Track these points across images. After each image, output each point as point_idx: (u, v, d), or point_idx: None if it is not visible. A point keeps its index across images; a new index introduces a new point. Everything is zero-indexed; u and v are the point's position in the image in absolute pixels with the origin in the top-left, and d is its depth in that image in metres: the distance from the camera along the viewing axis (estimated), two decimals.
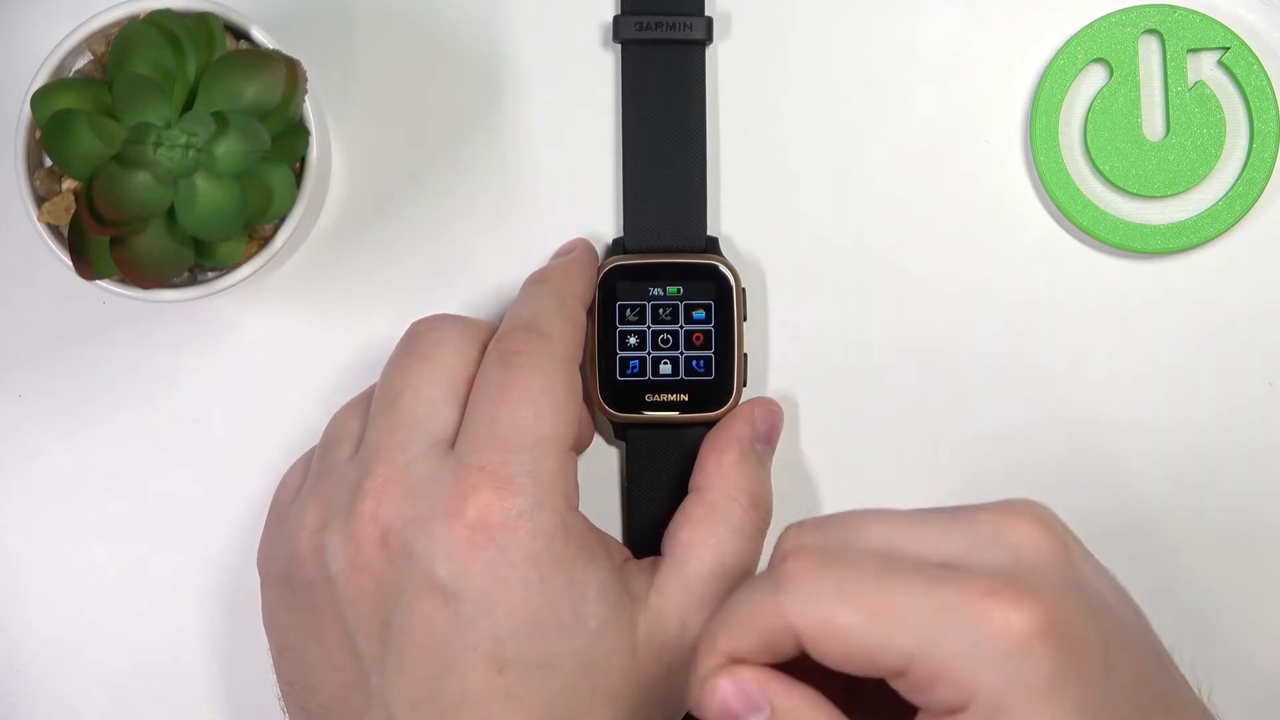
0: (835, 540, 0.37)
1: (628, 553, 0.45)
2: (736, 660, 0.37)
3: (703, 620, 0.43)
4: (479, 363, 0.44)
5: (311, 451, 0.47)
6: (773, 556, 0.37)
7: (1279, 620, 0.50)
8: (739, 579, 0.44)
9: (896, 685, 0.36)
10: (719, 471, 0.45)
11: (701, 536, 0.44)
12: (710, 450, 0.46)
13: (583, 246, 0.49)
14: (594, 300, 0.48)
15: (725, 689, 0.37)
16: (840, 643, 0.35)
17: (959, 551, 0.36)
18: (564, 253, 0.49)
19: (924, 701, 0.35)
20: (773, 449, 0.48)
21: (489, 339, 0.45)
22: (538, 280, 0.47)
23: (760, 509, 0.45)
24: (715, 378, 0.48)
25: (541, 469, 0.42)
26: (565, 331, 0.45)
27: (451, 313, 0.46)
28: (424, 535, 0.41)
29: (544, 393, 0.43)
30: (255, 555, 0.47)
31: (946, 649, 0.34)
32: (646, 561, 0.45)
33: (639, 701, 0.43)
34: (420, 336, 0.45)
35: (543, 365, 0.43)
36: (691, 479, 0.47)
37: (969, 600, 0.35)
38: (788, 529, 0.38)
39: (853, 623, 0.35)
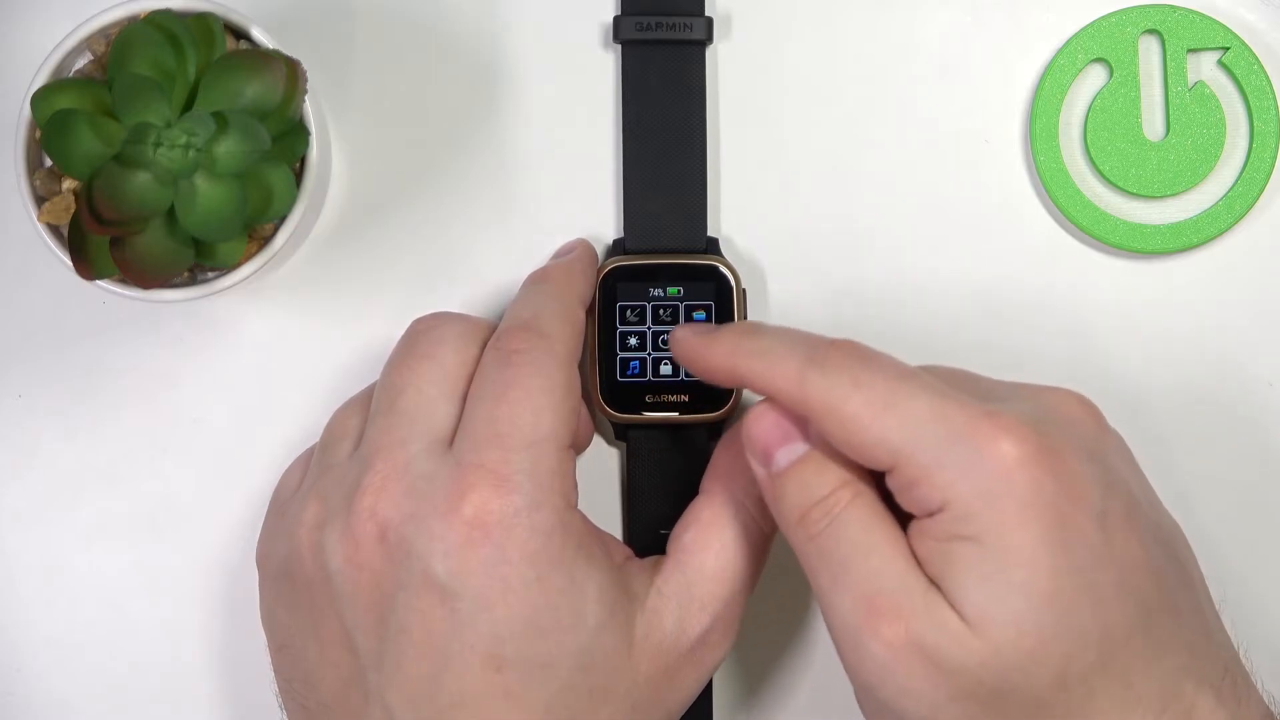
0: (883, 353, 0.40)
1: (629, 551, 0.45)
2: (739, 379, 0.41)
3: (702, 623, 0.43)
4: (479, 361, 0.44)
5: (312, 448, 0.47)
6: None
7: None
8: (743, 583, 0.44)
9: (888, 483, 0.39)
10: (729, 475, 0.45)
11: (707, 539, 0.44)
12: (721, 452, 0.46)
13: (582, 247, 0.49)
14: (594, 300, 0.48)
15: (772, 416, 0.41)
16: (840, 427, 0.39)
17: (1003, 395, 0.40)
18: (563, 253, 0.49)
19: (907, 501, 0.39)
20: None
21: (489, 338, 0.45)
22: (538, 280, 0.47)
23: (769, 515, 0.45)
24: None
25: (540, 468, 0.42)
26: (565, 331, 0.45)
27: (451, 310, 0.46)
28: (422, 533, 0.41)
29: (543, 392, 0.43)
30: (255, 554, 0.47)
31: (931, 453, 0.38)
32: (649, 561, 0.45)
33: (637, 701, 0.43)
34: (421, 335, 0.45)
35: (542, 365, 0.43)
36: (703, 480, 0.47)
37: (967, 418, 0.38)
38: None
39: (855, 412, 0.39)
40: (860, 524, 0.39)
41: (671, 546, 0.45)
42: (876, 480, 0.40)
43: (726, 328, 0.43)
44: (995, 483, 0.37)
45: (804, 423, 0.41)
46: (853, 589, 0.39)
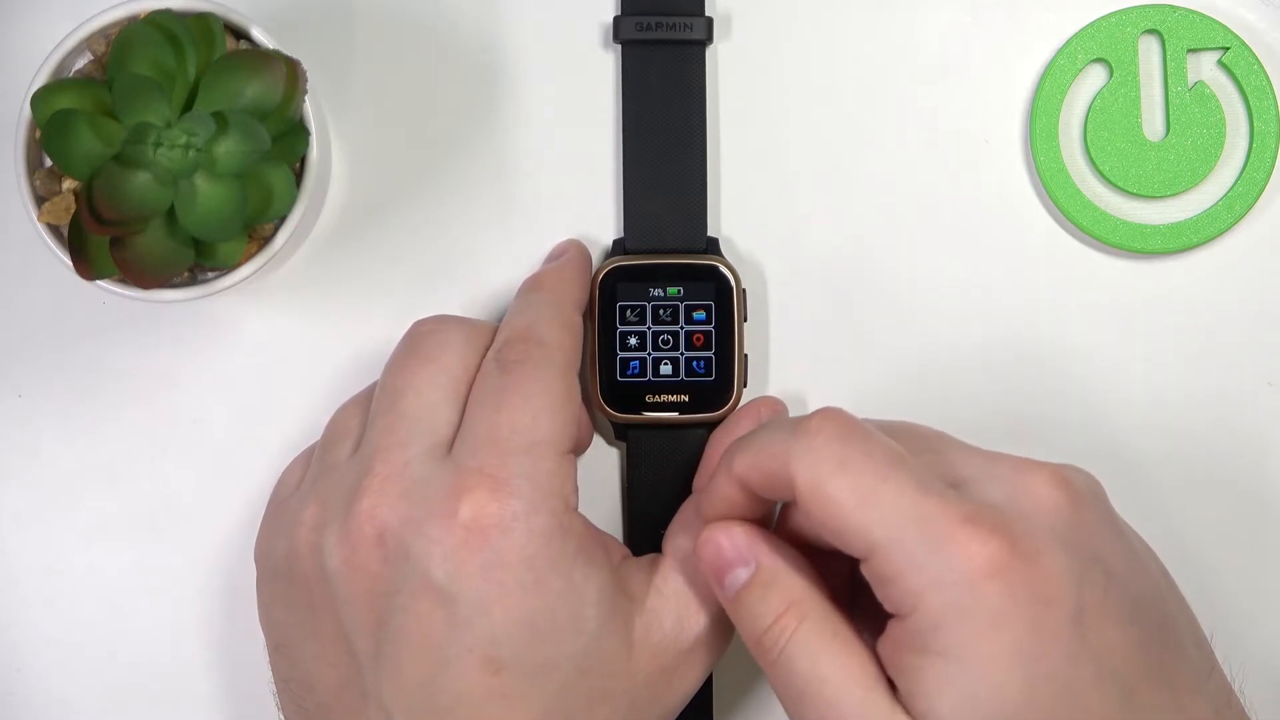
0: (872, 429, 0.40)
1: (626, 550, 0.45)
2: (745, 485, 0.41)
3: (700, 623, 0.43)
4: (480, 366, 0.44)
5: (312, 447, 0.47)
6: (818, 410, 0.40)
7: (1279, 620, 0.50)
8: None
9: (862, 569, 0.38)
10: None
11: None
12: (714, 449, 0.46)
13: (575, 249, 0.49)
14: (591, 303, 0.48)
15: (719, 540, 0.41)
16: (821, 508, 0.38)
17: (973, 478, 0.39)
18: (556, 255, 0.49)
19: (880, 595, 0.38)
20: None
21: (491, 342, 0.45)
22: (533, 288, 0.47)
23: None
24: (716, 378, 0.48)
25: (538, 472, 0.42)
26: (563, 339, 0.45)
27: (453, 313, 0.46)
28: (420, 536, 0.41)
29: (542, 397, 0.43)
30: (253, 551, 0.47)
31: (906, 554, 0.37)
32: (645, 559, 0.45)
33: (635, 700, 0.43)
34: (423, 337, 0.45)
35: (540, 372, 0.43)
36: (695, 479, 0.47)
37: (945, 518, 0.37)
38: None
39: (838, 495, 0.38)
40: (810, 653, 0.39)
41: (667, 546, 0.45)
42: (848, 566, 0.40)
43: (720, 459, 0.43)
44: (966, 595, 0.37)
45: (749, 541, 0.41)
46: (815, 717, 0.39)
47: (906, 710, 0.37)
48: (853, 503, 0.38)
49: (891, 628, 0.38)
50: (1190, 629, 0.41)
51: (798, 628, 0.39)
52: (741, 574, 0.41)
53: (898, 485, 0.38)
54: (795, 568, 0.41)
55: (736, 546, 0.41)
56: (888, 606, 0.38)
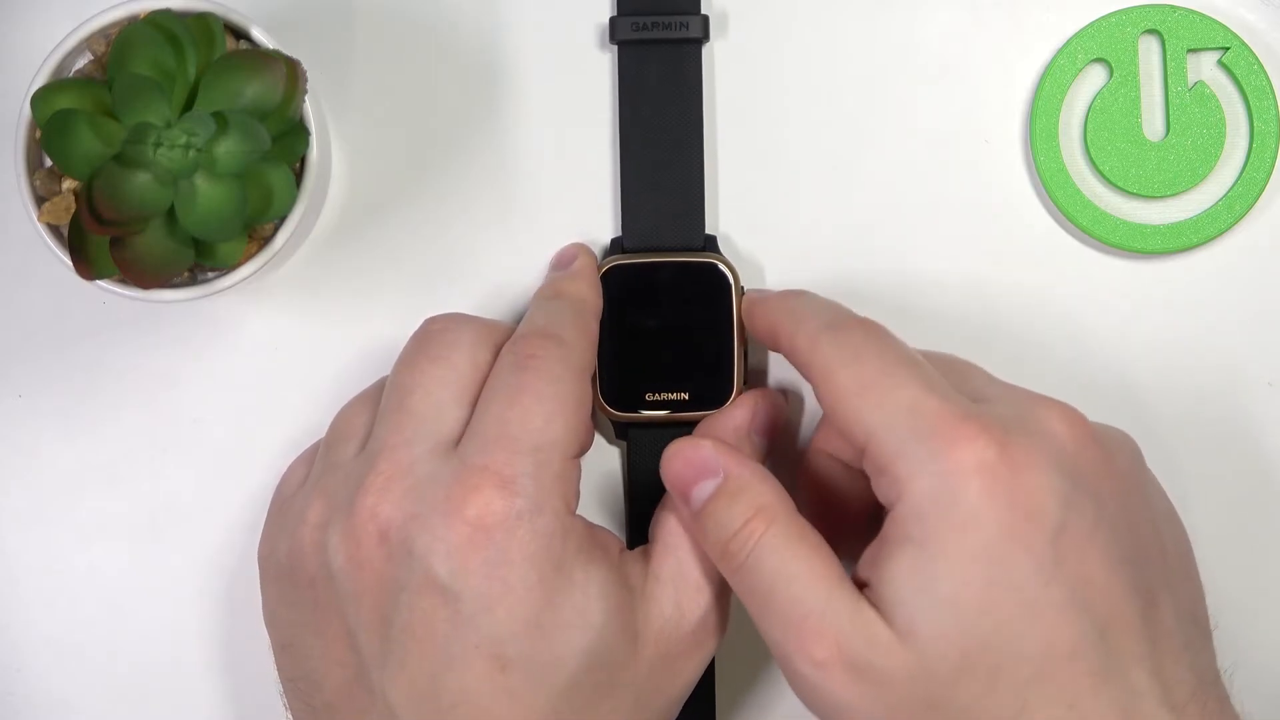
0: (898, 338, 0.42)
1: (622, 544, 0.45)
2: (771, 338, 0.44)
3: (700, 604, 0.44)
4: (491, 365, 0.44)
5: (315, 445, 0.47)
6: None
7: (1278, 619, 0.50)
8: None
9: (864, 465, 0.40)
10: None
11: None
12: (704, 434, 0.46)
13: (585, 257, 0.49)
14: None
15: (686, 453, 0.43)
16: (828, 395, 0.41)
17: (991, 397, 0.41)
18: (564, 262, 0.49)
19: (876, 490, 0.40)
20: (769, 441, 0.47)
21: (502, 342, 0.45)
22: (553, 294, 0.47)
23: None
24: (715, 376, 0.48)
25: (545, 472, 0.42)
26: (581, 342, 0.45)
27: (464, 312, 0.46)
28: (424, 533, 0.41)
29: (556, 399, 0.43)
30: (255, 555, 0.47)
31: (898, 441, 0.39)
32: (639, 550, 0.45)
33: (641, 692, 0.43)
34: (434, 336, 0.45)
35: (557, 372, 0.43)
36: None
37: (941, 414, 0.38)
38: None
39: (844, 384, 0.40)
40: (777, 552, 0.40)
41: (657, 531, 0.45)
42: (868, 506, 0.41)
43: (778, 291, 0.45)
44: (947, 487, 0.37)
45: (716, 454, 0.42)
46: (780, 616, 0.39)
47: (872, 603, 0.38)
48: (855, 390, 0.40)
49: (883, 528, 0.39)
50: (1191, 601, 0.41)
51: (766, 530, 0.40)
52: (708, 485, 0.42)
53: (902, 379, 0.39)
54: (762, 478, 0.42)
55: (704, 458, 0.42)
56: (882, 500, 0.39)
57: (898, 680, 0.38)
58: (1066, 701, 0.37)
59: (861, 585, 0.40)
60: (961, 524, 0.37)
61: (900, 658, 0.38)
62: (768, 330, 0.44)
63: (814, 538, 0.40)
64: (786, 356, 0.43)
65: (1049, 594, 0.37)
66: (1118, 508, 0.39)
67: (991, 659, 0.37)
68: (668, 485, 0.43)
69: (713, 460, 0.42)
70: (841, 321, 0.42)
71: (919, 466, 0.38)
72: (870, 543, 0.40)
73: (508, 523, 0.41)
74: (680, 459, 0.43)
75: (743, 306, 0.47)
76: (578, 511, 0.44)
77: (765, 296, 0.45)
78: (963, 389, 0.41)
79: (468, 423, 0.43)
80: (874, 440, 0.39)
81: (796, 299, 0.44)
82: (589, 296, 0.47)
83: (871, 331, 0.41)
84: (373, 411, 0.45)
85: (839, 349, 0.41)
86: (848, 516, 0.45)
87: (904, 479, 0.38)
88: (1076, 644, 0.37)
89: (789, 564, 0.40)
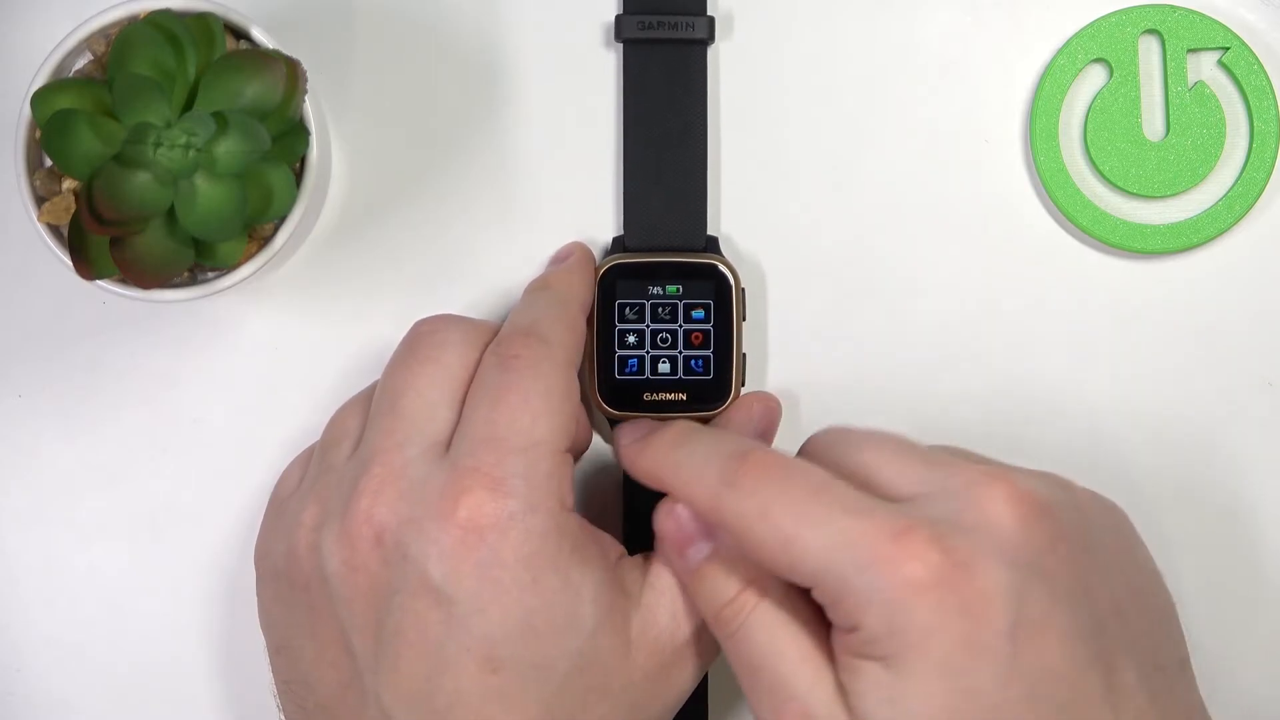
0: (824, 448, 0.41)
1: (621, 549, 0.45)
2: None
3: (696, 618, 0.43)
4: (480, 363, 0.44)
5: (312, 448, 0.47)
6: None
7: (1277, 618, 0.50)
8: None
9: (814, 597, 0.39)
10: None
11: None
12: None
13: (580, 252, 0.49)
14: (593, 303, 0.48)
15: (679, 515, 0.42)
16: (756, 552, 0.39)
17: (926, 493, 0.39)
18: (560, 258, 0.49)
19: (831, 615, 0.39)
20: (768, 445, 0.47)
21: (492, 340, 0.45)
22: (539, 287, 0.47)
23: None
24: (714, 377, 0.48)
25: (536, 471, 0.42)
26: (565, 337, 0.45)
27: (454, 313, 0.46)
28: (418, 536, 0.41)
29: (541, 396, 0.43)
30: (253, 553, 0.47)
31: (839, 579, 0.38)
32: (639, 557, 0.45)
33: (634, 698, 0.43)
34: (423, 337, 0.45)
35: (541, 369, 0.43)
36: None
37: (875, 537, 0.38)
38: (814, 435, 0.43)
39: (765, 540, 0.39)
40: (766, 630, 0.40)
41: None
42: None
43: (659, 434, 0.43)
44: (899, 611, 0.37)
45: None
46: (767, 691, 0.40)
47: (846, 706, 0.38)
48: (778, 545, 0.39)
49: (838, 636, 0.39)
50: (1155, 651, 0.40)
51: (757, 604, 0.40)
52: (703, 548, 0.42)
53: (822, 514, 0.38)
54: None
55: (693, 524, 0.42)
56: (838, 625, 0.39)
57: None
58: None
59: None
60: (919, 642, 0.37)
61: None
62: (655, 483, 0.43)
63: (805, 613, 0.40)
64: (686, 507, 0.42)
65: (1009, 693, 0.37)
66: (1071, 579, 0.38)
67: None
68: (659, 542, 0.43)
69: (704, 526, 0.42)
70: (733, 473, 0.40)
71: (866, 598, 0.37)
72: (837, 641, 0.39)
73: (500, 524, 0.41)
74: (674, 519, 0.42)
75: (621, 452, 0.45)
76: (575, 509, 0.44)
77: (643, 445, 0.43)
78: (894, 482, 0.40)
79: (458, 422, 0.43)
80: (817, 582, 0.38)
81: (677, 448, 0.42)
82: (576, 288, 0.47)
83: (765, 474, 0.39)
84: (366, 414, 0.45)
85: (744, 506, 0.39)
86: None
87: (856, 611, 0.38)
88: None
89: (778, 640, 0.40)
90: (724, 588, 0.41)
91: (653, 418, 0.48)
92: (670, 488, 0.42)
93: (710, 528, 0.42)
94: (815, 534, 0.38)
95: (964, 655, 0.37)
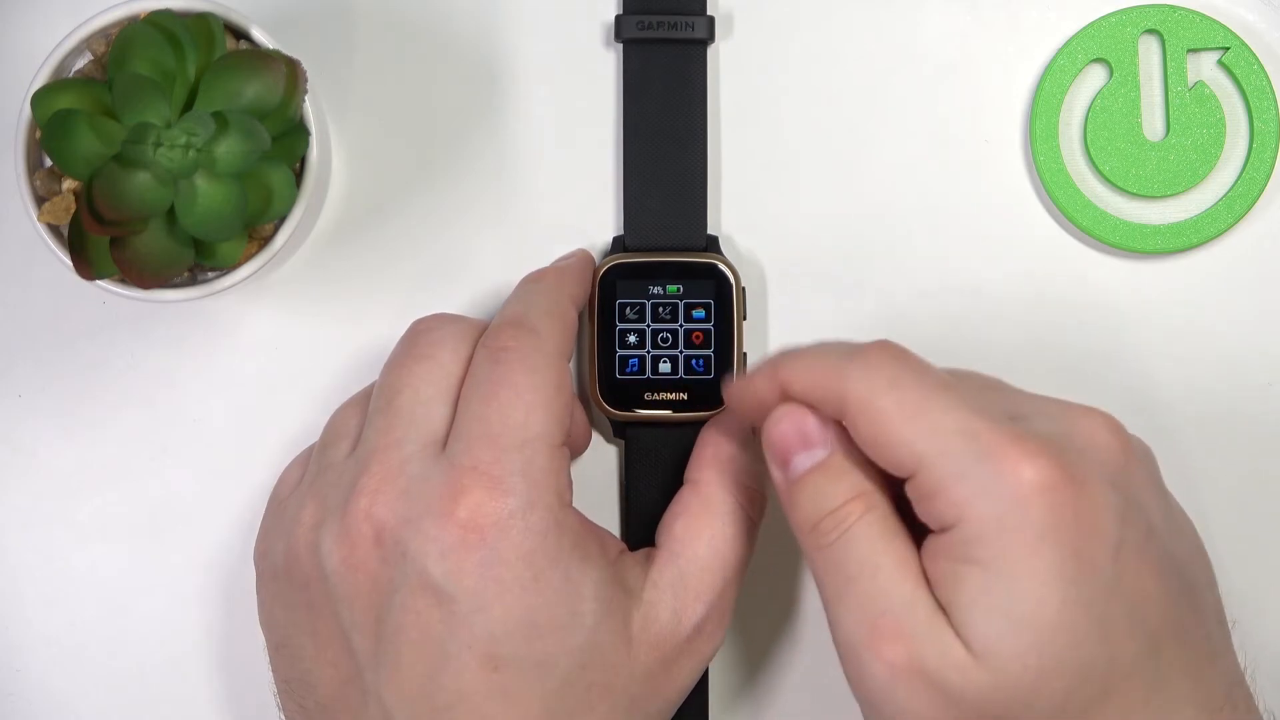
0: (925, 361, 0.40)
1: (622, 545, 0.45)
2: (788, 391, 0.41)
3: (697, 613, 0.43)
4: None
5: (311, 447, 0.47)
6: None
7: (1267, 625, 0.50)
8: (735, 571, 0.44)
9: (907, 490, 0.39)
10: (715, 464, 0.45)
11: (697, 529, 0.44)
12: (706, 442, 0.46)
13: (581, 254, 0.49)
14: (588, 301, 0.48)
15: (798, 419, 0.41)
16: (871, 422, 0.39)
17: (1028, 415, 0.40)
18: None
19: (923, 512, 0.38)
20: None
21: None
22: (532, 280, 0.47)
23: (756, 502, 0.45)
24: (715, 377, 0.48)
25: (533, 467, 0.42)
26: (554, 328, 0.44)
27: (452, 312, 0.46)
28: (417, 535, 0.41)
29: (533, 390, 0.43)
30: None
31: (953, 464, 0.37)
32: (641, 553, 0.45)
33: (635, 695, 0.43)
34: (420, 336, 0.45)
35: (531, 361, 0.43)
36: (687, 470, 0.47)
37: (995, 436, 0.37)
38: None
39: (888, 408, 0.38)
40: (870, 540, 0.39)
41: (662, 537, 0.45)
42: (895, 492, 0.40)
43: (765, 359, 0.43)
44: (1012, 508, 0.37)
45: (824, 429, 0.41)
46: (858, 606, 0.39)
47: (949, 621, 0.38)
48: (902, 416, 0.38)
49: (931, 543, 0.38)
50: (1215, 606, 0.41)
51: (863, 515, 0.39)
52: (811, 456, 0.41)
53: (947, 403, 0.38)
54: (867, 464, 0.40)
55: (813, 429, 0.41)
56: (930, 523, 0.38)
57: (968, 698, 0.37)
58: (1123, 712, 0.37)
59: None
60: (1031, 545, 0.37)
61: (974, 677, 0.37)
62: (771, 386, 0.41)
63: (906, 539, 0.39)
64: (804, 402, 0.41)
65: (1114, 610, 0.37)
66: (1160, 516, 0.39)
67: (1064, 679, 0.37)
68: (767, 447, 0.42)
69: (818, 433, 0.41)
70: (859, 349, 0.40)
71: (979, 488, 0.37)
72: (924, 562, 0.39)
73: (500, 522, 0.41)
74: (788, 422, 0.41)
75: (726, 391, 0.44)
76: (573, 505, 0.44)
77: (750, 373, 0.42)
78: (997, 406, 0.40)
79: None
80: (926, 465, 0.38)
81: (792, 351, 0.42)
82: (569, 283, 0.47)
83: (894, 352, 0.40)
84: (365, 413, 0.45)
85: (871, 376, 0.39)
86: None
87: (963, 503, 0.37)
88: (1135, 660, 0.37)
89: (878, 554, 0.39)
90: (830, 496, 0.40)
91: (653, 418, 0.48)
92: (791, 376, 0.41)
93: (821, 438, 0.41)
94: (941, 417, 0.38)
95: (1077, 564, 0.37)
